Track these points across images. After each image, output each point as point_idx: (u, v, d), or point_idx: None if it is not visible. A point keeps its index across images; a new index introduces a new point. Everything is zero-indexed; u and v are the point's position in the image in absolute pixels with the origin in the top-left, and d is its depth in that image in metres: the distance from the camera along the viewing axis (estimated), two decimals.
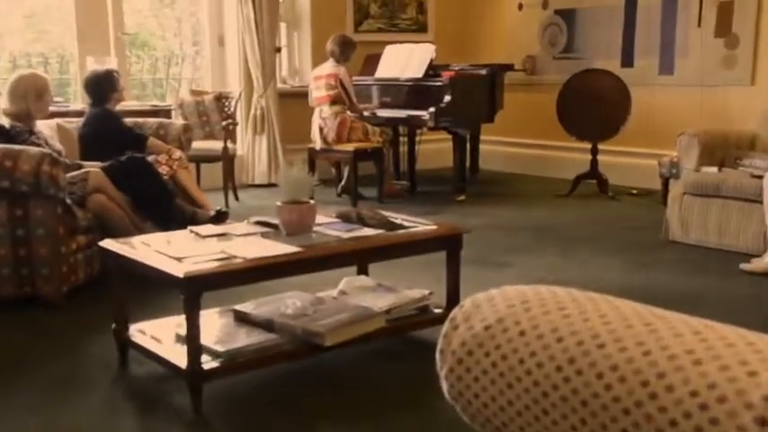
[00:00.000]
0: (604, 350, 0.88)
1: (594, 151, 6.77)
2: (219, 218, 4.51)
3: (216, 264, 2.76)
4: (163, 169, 4.69)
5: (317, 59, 7.15)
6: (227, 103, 6.82)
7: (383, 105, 6.94)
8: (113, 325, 3.11)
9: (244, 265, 2.78)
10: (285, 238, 3.11)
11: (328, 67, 6.55)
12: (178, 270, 2.65)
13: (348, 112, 6.57)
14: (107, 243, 3.11)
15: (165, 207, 4.42)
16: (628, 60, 7.28)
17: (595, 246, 5.07)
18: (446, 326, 1.07)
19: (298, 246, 2.97)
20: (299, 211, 3.17)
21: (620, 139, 6.73)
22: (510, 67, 7.39)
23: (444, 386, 1.06)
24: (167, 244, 3.04)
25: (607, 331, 0.90)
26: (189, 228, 3.32)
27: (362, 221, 3.34)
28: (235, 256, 2.83)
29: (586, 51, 7.62)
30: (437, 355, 1.06)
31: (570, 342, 0.91)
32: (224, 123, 6.54)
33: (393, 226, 3.32)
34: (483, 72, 6.91)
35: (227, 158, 6.49)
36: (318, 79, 6.59)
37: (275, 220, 3.25)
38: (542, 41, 8.02)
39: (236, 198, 6.66)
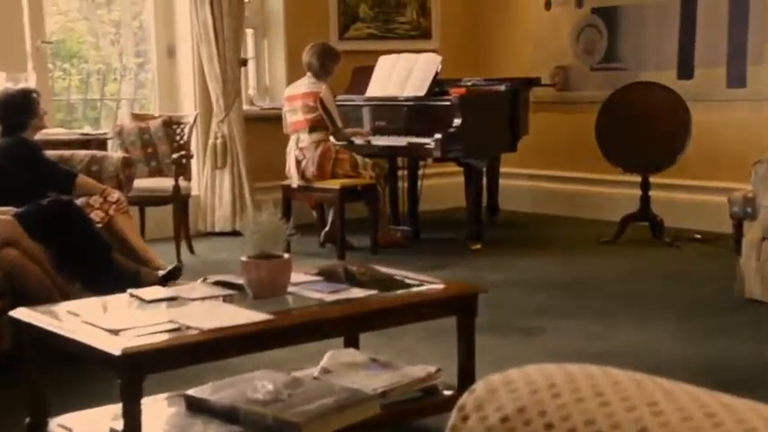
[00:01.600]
0: None
1: (646, 186, 6.80)
2: (171, 276, 4.50)
3: (164, 337, 2.76)
4: (96, 215, 4.69)
5: (293, 75, 7.21)
6: (178, 130, 6.86)
7: (377, 131, 6.98)
8: (27, 419, 3.09)
9: (199, 339, 2.78)
10: (252, 302, 3.11)
11: (305, 84, 6.60)
12: (114, 346, 2.64)
13: (332, 140, 6.60)
14: (21, 312, 3.10)
15: (99, 264, 4.41)
16: (686, 71, 7.33)
17: (648, 307, 5.06)
18: (453, 417, 1.06)
19: (268, 312, 2.97)
20: (271, 268, 3.17)
21: (677, 171, 6.76)
22: (536, 82, 7.45)
23: None
24: (101, 312, 3.03)
25: (658, 424, 0.89)
26: (129, 291, 3.32)
27: (351, 279, 3.35)
28: (188, 327, 2.83)
29: (633, 60, 7.69)
30: None
31: None
32: (175, 156, 6.56)
33: (390, 285, 3.32)
34: (502, 88, 6.96)
35: (180, 200, 6.50)
36: (293, 100, 6.63)
37: (240, 280, 3.25)
38: (576, 48, 8.10)
39: (191, 250, 6.66)
